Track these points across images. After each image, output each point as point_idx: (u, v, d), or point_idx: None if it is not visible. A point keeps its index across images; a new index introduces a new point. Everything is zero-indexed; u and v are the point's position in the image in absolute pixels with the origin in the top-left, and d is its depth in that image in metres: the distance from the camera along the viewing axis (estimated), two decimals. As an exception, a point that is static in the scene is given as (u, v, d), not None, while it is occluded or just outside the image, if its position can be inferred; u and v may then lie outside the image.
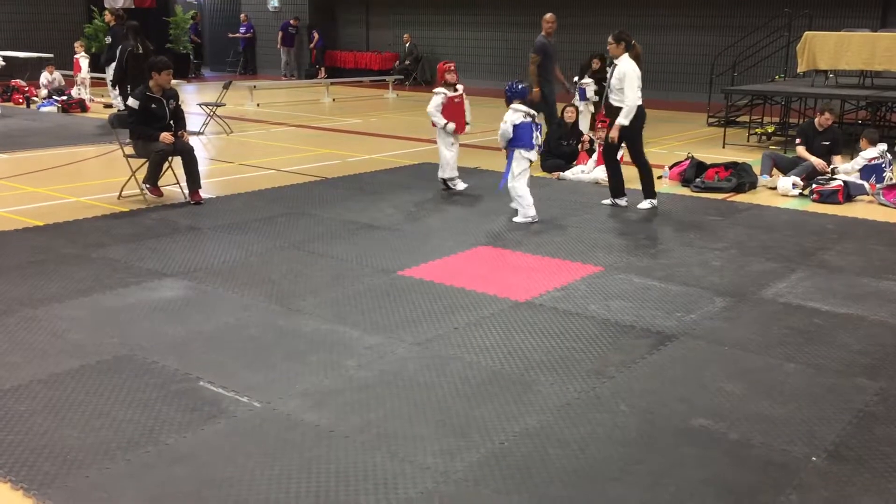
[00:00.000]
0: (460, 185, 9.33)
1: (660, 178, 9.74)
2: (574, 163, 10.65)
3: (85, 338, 5.02)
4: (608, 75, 8.66)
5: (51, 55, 19.02)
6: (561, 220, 8.12)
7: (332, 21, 26.65)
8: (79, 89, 17.25)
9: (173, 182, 8.82)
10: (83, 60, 17.36)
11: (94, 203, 8.62)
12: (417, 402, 4.23)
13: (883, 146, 9.86)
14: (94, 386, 4.37)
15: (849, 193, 9.18)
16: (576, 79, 12.74)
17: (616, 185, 8.82)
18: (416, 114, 17.18)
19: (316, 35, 25.41)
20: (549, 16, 11.44)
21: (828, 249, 7.20)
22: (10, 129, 13.94)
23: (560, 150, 10.80)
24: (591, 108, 12.68)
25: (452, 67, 9.35)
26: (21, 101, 17.45)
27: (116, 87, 14.15)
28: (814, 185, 9.35)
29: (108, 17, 15.74)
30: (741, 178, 9.77)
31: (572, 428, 3.99)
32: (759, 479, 3.57)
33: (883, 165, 9.66)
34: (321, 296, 5.84)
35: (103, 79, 16.58)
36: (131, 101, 8.58)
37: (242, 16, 27.11)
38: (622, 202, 8.81)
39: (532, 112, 8.02)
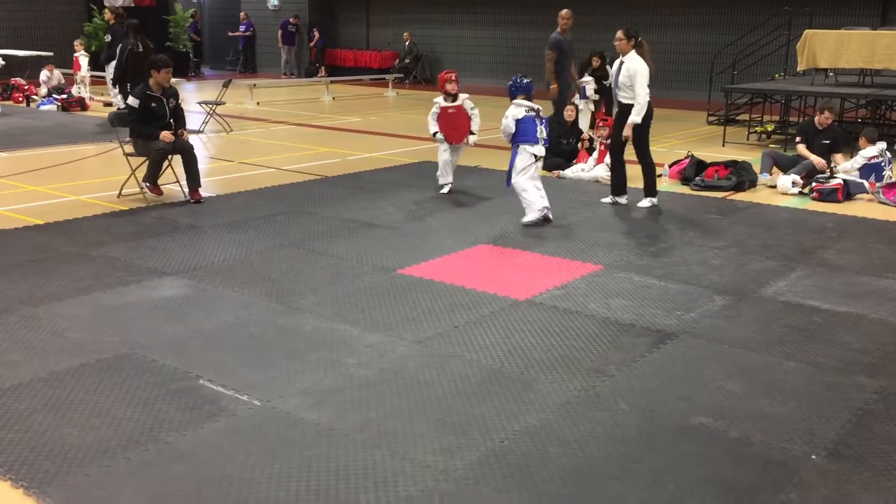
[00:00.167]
0: (445, 188, 9.25)
1: (659, 176, 9.73)
2: (574, 161, 10.65)
3: (85, 336, 5.02)
4: (614, 72, 8.58)
5: (50, 53, 19.01)
6: (561, 219, 8.11)
7: (332, 19, 26.64)
8: (78, 88, 17.24)
9: (173, 181, 8.82)
10: (83, 59, 17.35)
11: (94, 201, 8.62)
12: (417, 400, 4.23)
13: (882, 145, 9.86)
14: (94, 384, 4.37)
15: (848, 192, 9.19)
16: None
17: (618, 183, 8.83)
18: (416, 112, 17.17)
19: (316, 34, 25.40)
20: (565, 12, 11.40)
21: (827, 248, 7.20)
22: (9, 127, 13.94)
23: (560, 148, 10.80)
24: (591, 107, 12.67)
25: (453, 78, 9.14)
26: (21, 99, 17.44)
27: (116, 86, 14.13)
28: (813, 184, 9.35)
29: (107, 15, 15.73)
30: (741, 176, 9.77)
31: (572, 426, 3.99)
32: (759, 478, 3.57)
33: (882, 164, 9.67)
34: (321, 294, 5.84)
35: (103, 77, 16.57)
36: (131, 100, 8.58)
37: (242, 14, 27.10)
38: (623, 200, 8.81)
39: (535, 106, 7.88)
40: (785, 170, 9.92)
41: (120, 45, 13.49)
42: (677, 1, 19.74)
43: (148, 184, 8.69)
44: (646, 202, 8.72)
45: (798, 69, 13.34)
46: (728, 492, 3.47)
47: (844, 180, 9.26)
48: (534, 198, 7.77)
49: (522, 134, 7.84)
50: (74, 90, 17.16)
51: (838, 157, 10.05)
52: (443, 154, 9.23)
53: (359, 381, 4.44)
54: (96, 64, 18.03)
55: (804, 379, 4.57)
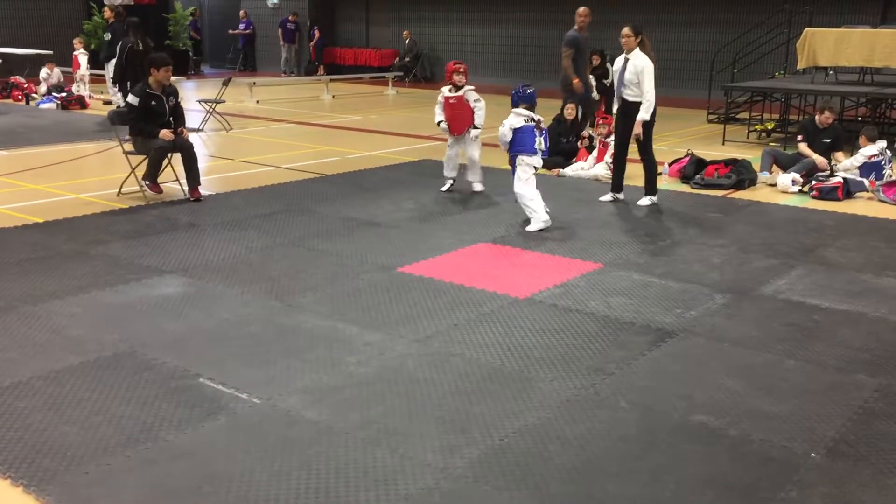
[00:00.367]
0: (445, 185, 9.25)
1: (659, 174, 9.73)
2: (573, 160, 10.65)
3: (85, 334, 5.02)
4: (618, 70, 8.54)
5: (50, 52, 18.99)
6: (560, 217, 8.10)
7: (332, 17, 26.62)
8: (78, 86, 17.23)
9: (173, 179, 8.81)
10: (82, 57, 17.35)
11: (94, 200, 8.62)
12: (417, 398, 4.23)
13: (882, 143, 9.86)
14: (93, 382, 4.37)
15: (848, 190, 9.19)
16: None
17: (620, 181, 8.84)
18: (416, 110, 17.17)
19: (317, 32, 25.37)
20: (582, 9, 11.33)
21: (827, 246, 7.20)
22: (9, 125, 13.93)
23: (559, 146, 10.79)
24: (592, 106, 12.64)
25: (461, 69, 9.04)
26: (20, 97, 17.43)
27: (116, 84, 14.12)
28: (813, 182, 9.35)
29: (107, 13, 15.72)
30: (741, 174, 9.77)
31: (572, 424, 3.99)
32: (759, 476, 3.57)
33: (882, 162, 9.66)
34: (321, 292, 5.84)
35: (102, 75, 16.56)
36: (131, 98, 8.57)
37: (242, 12, 27.08)
38: (621, 196, 8.84)
39: (536, 117, 7.74)
40: (785, 168, 9.92)
41: (120, 44, 13.48)
42: (677, -1, 19.75)
43: (147, 182, 8.68)
44: (646, 200, 8.72)
45: (798, 67, 13.33)
46: (728, 490, 3.47)
47: (844, 178, 9.26)
48: (538, 207, 7.61)
49: (520, 144, 7.67)
50: (74, 88, 17.15)
51: (839, 155, 10.04)
52: (450, 147, 9.22)
53: (358, 380, 4.44)
54: (96, 62, 18.02)
55: (804, 377, 4.57)
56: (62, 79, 17.79)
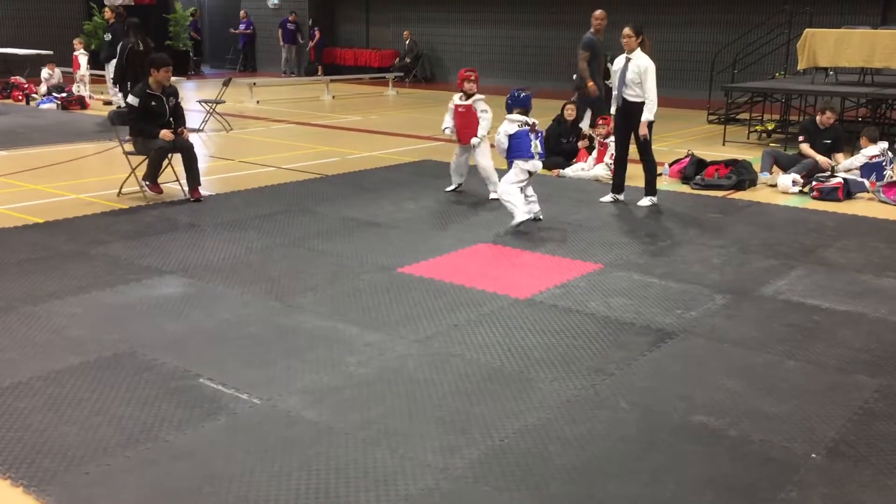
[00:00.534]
0: (450, 186, 9.21)
1: (660, 175, 9.73)
2: (574, 160, 10.65)
3: (85, 335, 5.02)
4: (619, 70, 8.52)
5: (50, 52, 19.00)
6: (561, 218, 8.11)
7: (332, 18, 26.62)
8: (78, 86, 17.23)
9: (173, 179, 8.81)
10: (82, 57, 17.35)
11: (94, 200, 8.62)
12: (417, 399, 4.23)
13: (884, 144, 9.86)
14: (93, 383, 4.37)
15: (849, 191, 9.19)
16: (574, 77, 12.67)
17: (620, 181, 8.85)
18: (416, 111, 17.17)
19: (317, 33, 25.37)
20: (598, 12, 11.28)
21: (828, 246, 7.20)
22: (9, 126, 13.93)
23: (560, 147, 10.79)
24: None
25: (471, 77, 8.89)
26: (21, 98, 17.44)
27: (117, 85, 14.12)
28: (814, 183, 9.35)
29: (107, 13, 15.73)
30: (741, 175, 9.77)
31: (572, 425, 3.98)
32: (759, 476, 3.57)
33: (884, 163, 9.66)
34: (321, 293, 5.84)
35: (102, 76, 16.56)
36: (131, 99, 8.57)
37: (242, 12, 27.08)
38: (621, 197, 8.85)
39: (530, 121, 7.69)
40: (785, 169, 9.92)
41: (120, 44, 13.49)
42: (678, 0, 19.72)
43: (148, 182, 8.68)
44: (646, 201, 8.72)
45: (798, 68, 13.33)
46: (728, 490, 3.47)
47: (844, 179, 9.26)
48: (517, 201, 7.53)
49: (516, 149, 7.64)
50: (74, 89, 17.15)
51: (839, 156, 10.04)
52: (455, 155, 9.16)
53: (359, 380, 4.44)
54: (96, 62, 18.03)
55: (804, 378, 4.57)
56: (62, 79, 17.80)
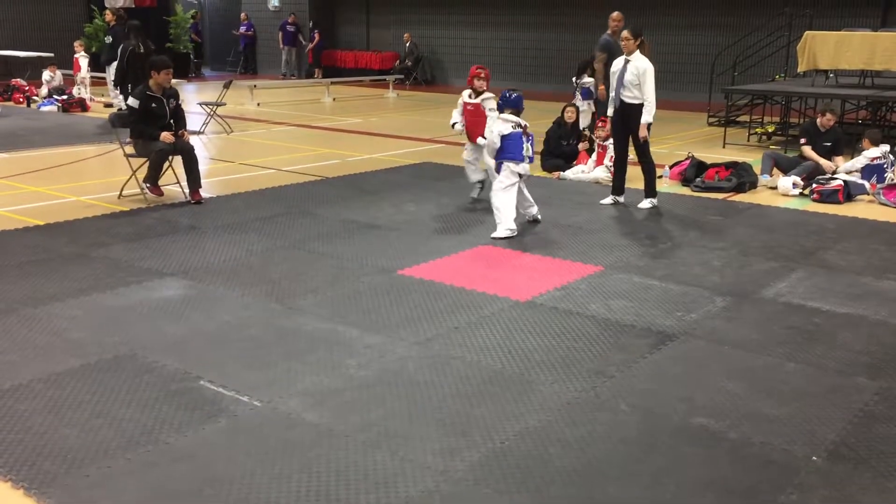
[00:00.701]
0: (474, 192, 8.91)
1: (660, 177, 9.74)
2: (574, 162, 10.65)
3: (85, 337, 5.02)
4: (618, 71, 8.51)
5: (51, 54, 19.02)
6: (561, 220, 8.11)
7: (333, 20, 26.64)
8: (79, 89, 17.25)
9: (174, 181, 8.82)
10: (83, 60, 17.37)
11: (95, 202, 8.62)
12: (418, 401, 4.23)
13: (886, 147, 9.86)
14: (94, 385, 4.37)
15: (849, 193, 9.19)
16: (574, 79, 12.69)
17: (620, 183, 8.86)
18: (416, 113, 17.18)
19: (317, 35, 25.38)
20: (615, 14, 11.26)
21: (828, 249, 7.20)
22: (10, 128, 13.94)
23: (560, 149, 10.80)
24: (592, 108, 12.64)
25: (482, 75, 8.71)
26: (21, 100, 17.45)
27: (117, 87, 14.14)
28: (814, 185, 9.35)
29: (108, 16, 15.75)
30: (741, 177, 9.77)
31: (573, 427, 3.99)
32: (760, 479, 3.57)
33: (885, 165, 9.66)
34: (321, 295, 5.84)
35: (103, 78, 16.58)
36: (131, 101, 8.58)
37: (242, 15, 27.11)
38: (621, 199, 8.85)
39: (522, 122, 7.58)
40: (785, 171, 9.92)
41: (121, 46, 13.50)
42: (678, 2, 19.74)
43: (148, 185, 8.69)
44: (646, 203, 8.72)
45: (798, 70, 13.35)
46: (728, 493, 3.47)
47: (845, 181, 9.26)
48: (507, 216, 7.42)
49: (507, 151, 7.49)
50: (75, 91, 17.18)
51: (839, 159, 10.04)
52: (465, 153, 8.93)
53: (359, 382, 4.44)
54: (96, 65, 18.04)
55: (805, 380, 4.57)
56: (63, 81, 17.81)
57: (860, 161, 9.77)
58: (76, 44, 17.94)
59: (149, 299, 5.70)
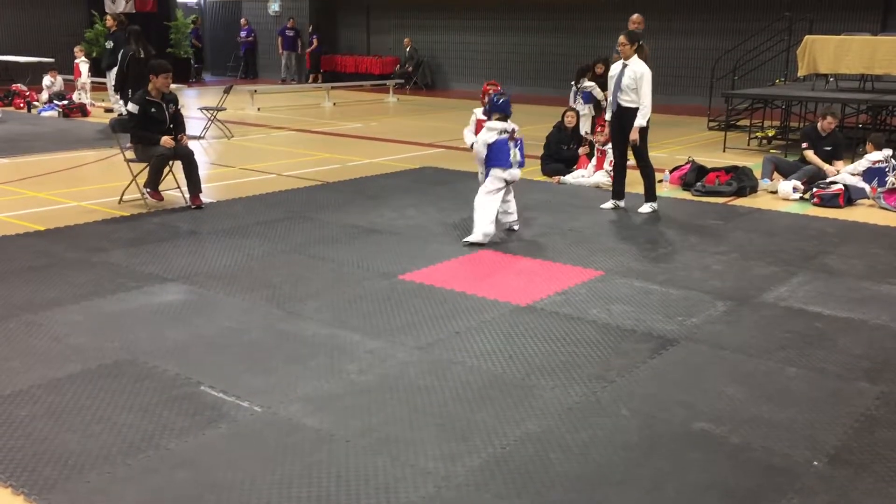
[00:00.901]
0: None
1: (660, 181, 9.74)
2: (574, 167, 10.65)
3: (86, 342, 5.02)
4: (615, 75, 8.53)
5: (52, 60, 19.04)
6: (561, 225, 8.11)
7: (333, 25, 26.67)
8: (79, 94, 17.26)
9: (174, 186, 8.82)
10: (83, 65, 17.39)
11: (95, 207, 8.63)
12: (418, 406, 4.23)
13: (888, 151, 9.86)
14: (94, 390, 4.37)
15: (849, 197, 9.19)
16: (573, 84, 12.67)
17: (620, 187, 8.86)
18: (416, 118, 17.19)
19: (315, 40, 25.37)
20: (635, 17, 11.23)
21: (829, 253, 7.20)
22: (11, 133, 13.95)
23: (560, 154, 10.81)
24: (593, 112, 12.63)
25: (491, 91, 8.25)
26: (22, 105, 17.47)
27: (118, 92, 14.14)
28: (814, 189, 9.35)
29: (109, 21, 15.75)
30: (742, 181, 9.77)
31: (574, 432, 3.98)
32: (761, 484, 3.56)
33: (886, 170, 9.66)
34: (322, 300, 5.84)
35: (104, 83, 16.59)
36: (130, 106, 8.59)
37: (243, 20, 27.13)
38: (622, 203, 8.85)
39: (509, 128, 7.48)
40: (786, 175, 9.93)
41: (122, 52, 13.51)
42: (678, 7, 19.76)
43: (149, 189, 8.69)
44: (646, 207, 8.72)
45: (798, 75, 13.35)
46: (730, 498, 3.46)
47: (845, 186, 9.26)
48: (484, 221, 7.33)
49: (495, 159, 7.42)
50: (75, 96, 17.19)
51: (839, 164, 10.04)
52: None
53: (360, 387, 4.44)
54: (97, 70, 18.06)
55: (806, 385, 4.56)
56: (63, 86, 17.83)
57: (863, 164, 9.77)
58: (77, 49, 17.96)
59: (149, 304, 5.70)
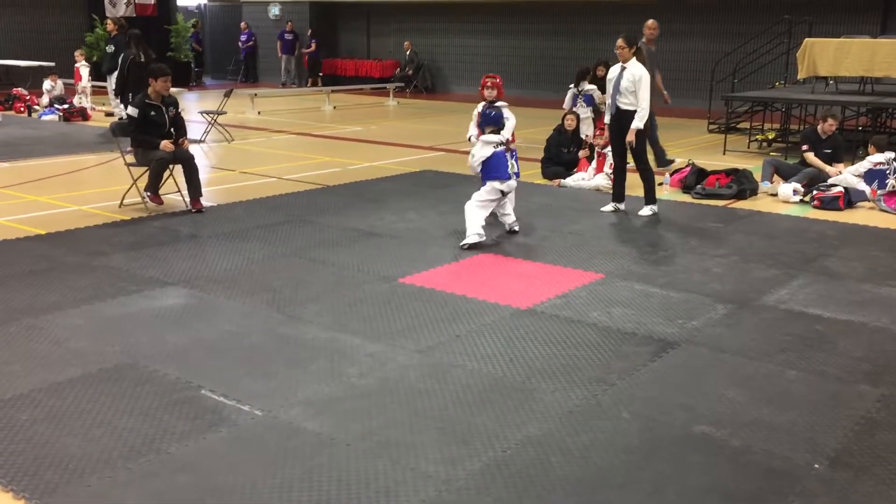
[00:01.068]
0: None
1: (661, 184, 9.75)
2: (574, 170, 10.66)
3: (86, 346, 5.02)
4: (614, 78, 8.54)
5: (52, 64, 19.06)
6: (561, 228, 8.12)
7: (333, 29, 26.69)
8: (80, 98, 17.28)
9: (174, 190, 8.83)
10: (83, 69, 17.40)
11: (96, 211, 8.63)
12: (419, 409, 4.23)
13: (890, 154, 9.86)
14: (95, 394, 4.37)
15: (849, 200, 9.19)
16: (573, 87, 12.68)
17: (620, 190, 8.87)
18: (417, 121, 17.20)
19: (313, 44, 25.37)
20: (650, 22, 11.22)
21: (829, 256, 7.20)
22: (11, 137, 13.96)
23: (560, 157, 10.81)
24: (593, 114, 12.64)
25: (488, 84, 8.10)
26: (22, 109, 17.48)
27: (119, 96, 14.16)
28: (814, 192, 9.36)
29: (109, 25, 15.78)
30: (742, 184, 9.78)
31: (574, 436, 3.98)
32: (762, 487, 3.56)
33: (887, 172, 9.66)
34: (322, 303, 5.84)
35: (104, 87, 16.60)
36: (130, 110, 8.60)
37: (243, 24, 27.15)
38: (622, 206, 8.86)
39: (503, 139, 7.48)
40: (786, 178, 9.93)
41: (122, 56, 13.52)
42: (677, 9, 19.77)
43: (149, 193, 8.69)
44: (646, 210, 8.73)
45: (798, 77, 13.36)
46: (730, 501, 3.46)
47: (845, 188, 9.27)
48: (476, 221, 7.35)
49: (493, 171, 7.43)
50: (76, 100, 17.20)
51: (839, 166, 10.04)
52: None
53: (360, 391, 4.44)
54: (98, 74, 18.08)
55: (806, 387, 4.56)
56: (64, 90, 17.84)
57: (864, 165, 9.77)
58: (77, 53, 17.98)
59: (150, 308, 5.70)
